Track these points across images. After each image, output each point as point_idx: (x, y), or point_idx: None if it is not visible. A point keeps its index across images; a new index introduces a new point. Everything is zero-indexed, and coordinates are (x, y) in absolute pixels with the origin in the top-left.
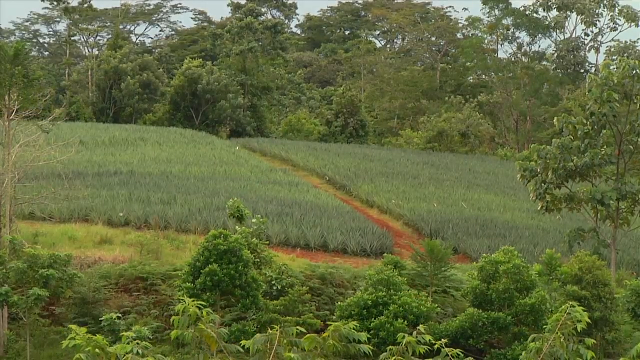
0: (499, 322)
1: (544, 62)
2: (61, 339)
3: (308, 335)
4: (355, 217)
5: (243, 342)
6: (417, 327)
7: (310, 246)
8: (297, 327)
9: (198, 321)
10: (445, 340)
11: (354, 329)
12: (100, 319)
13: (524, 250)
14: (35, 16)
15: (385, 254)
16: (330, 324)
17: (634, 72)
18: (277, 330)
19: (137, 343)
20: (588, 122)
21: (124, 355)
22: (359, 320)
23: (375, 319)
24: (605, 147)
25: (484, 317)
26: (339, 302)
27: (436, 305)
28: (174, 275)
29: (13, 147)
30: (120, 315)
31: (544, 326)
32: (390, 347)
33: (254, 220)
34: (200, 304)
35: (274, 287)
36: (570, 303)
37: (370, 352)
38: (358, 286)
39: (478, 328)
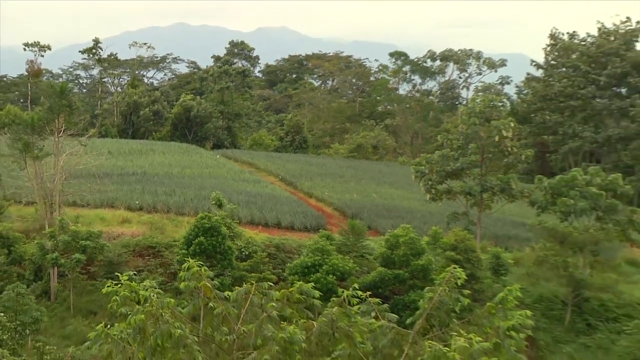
0: (400, 277)
1: (431, 97)
2: (95, 290)
3: (283, 290)
4: (299, 204)
5: (227, 292)
6: (353, 285)
7: (268, 224)
8: (267, 282)
9: (198, 276)
10: (369, 293)
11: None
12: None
13: (417, 227)
14: (77, 64)
15: (320, 230)
16: (283, 278)
17: (492, 103)
18: (252, 284)
19: (154, 288)
20: (460, 139)
21: (150, 296)
22: (301, 276)
23: (313, 275)
24: (472, 155)
25: (389, 273)
26: (288, 264)
27: (356, 265)
28: (174, 245)
29: (61, 156)
30: (135, 273)
31: (433, 280)
32: (333, 298)
33: (228, 206)
34: (200, 264)
35: (243, 253)
36: (453, 266)
37: (320, 304)
38: (301, 252)
39: (385, 281)
